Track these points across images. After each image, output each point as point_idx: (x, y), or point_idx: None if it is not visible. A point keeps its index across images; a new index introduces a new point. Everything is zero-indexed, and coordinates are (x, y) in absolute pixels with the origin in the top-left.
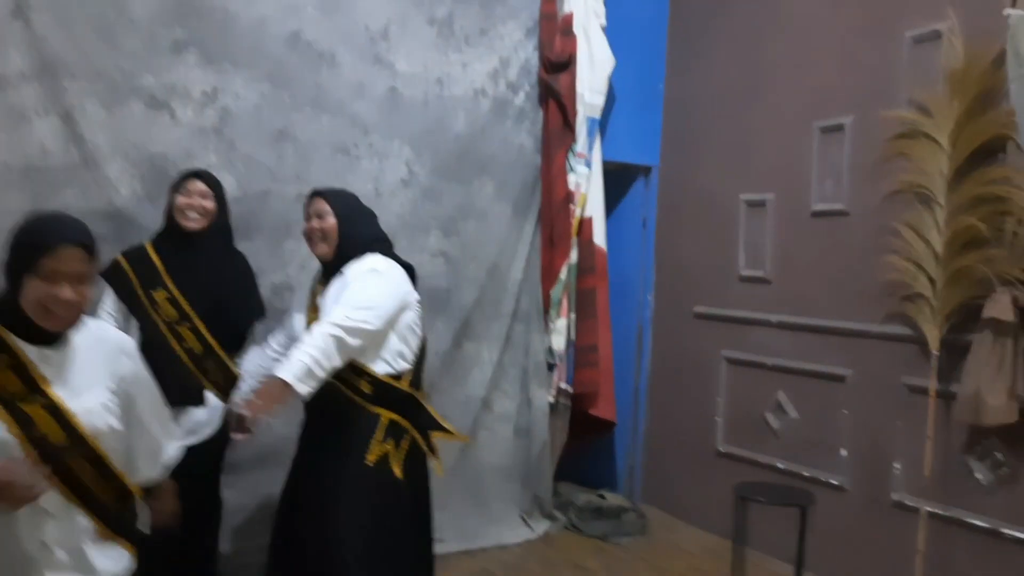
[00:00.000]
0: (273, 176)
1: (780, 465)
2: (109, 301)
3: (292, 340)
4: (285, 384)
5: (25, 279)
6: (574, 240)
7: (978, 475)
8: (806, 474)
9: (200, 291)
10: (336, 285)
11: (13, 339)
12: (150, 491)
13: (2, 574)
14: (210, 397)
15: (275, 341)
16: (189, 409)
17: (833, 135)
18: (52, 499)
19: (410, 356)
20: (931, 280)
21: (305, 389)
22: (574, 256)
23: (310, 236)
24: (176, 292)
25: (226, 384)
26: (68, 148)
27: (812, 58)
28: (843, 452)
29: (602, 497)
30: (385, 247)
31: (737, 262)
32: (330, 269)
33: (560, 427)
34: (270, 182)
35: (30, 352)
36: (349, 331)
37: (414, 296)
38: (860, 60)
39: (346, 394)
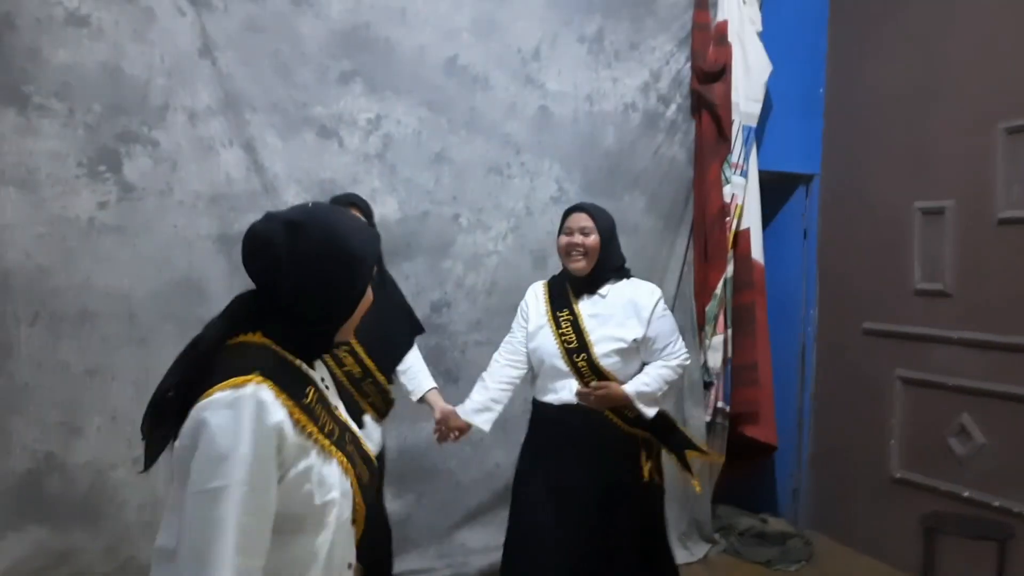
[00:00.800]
0: (431, 198)
1: (966, 494)
2: None
3: (518, 356)
4: (627, 396)
5: None
6: (730, 254)
7: None
8: (996, 504)
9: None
10: (640, 315)
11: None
12: None
13: None
14: (368, 420)
15: (503, 358)
16: None
17: (1020, 136)
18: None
19: None
20: None
21: (642, 407)
22: (730, 270)
23: (569, 250)
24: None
25: (384, 406)
26: (250, 176)
27: (995, 53)
28: None
29: (764, 521)
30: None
31: (912, 274)
32: (582, 285)
33: (718, 447)
34: (429, 204)
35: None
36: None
37: None
38: None
39: (608, 418)
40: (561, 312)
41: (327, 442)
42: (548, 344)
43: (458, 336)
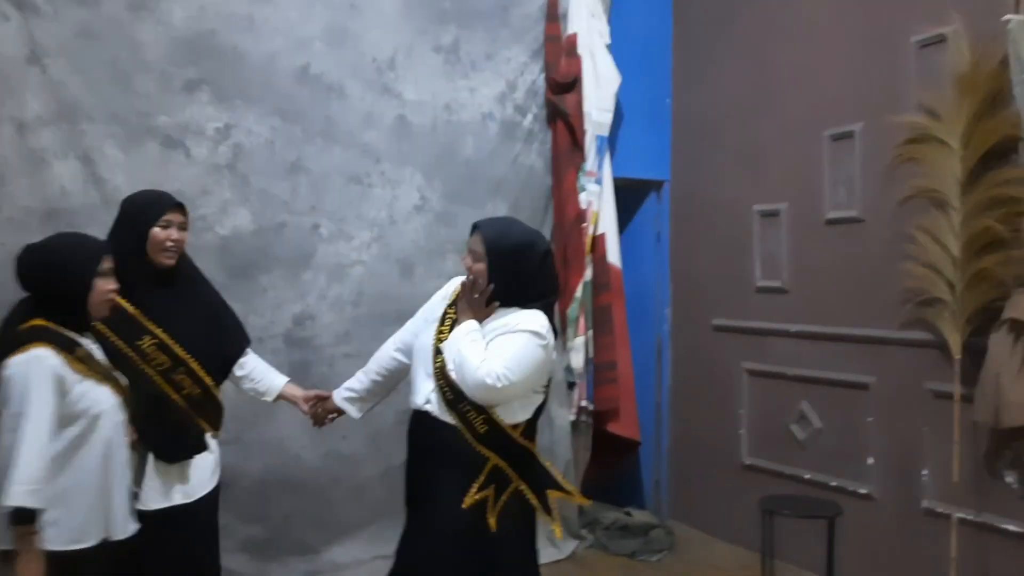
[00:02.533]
0: (288, 208)
1: (807, 476)
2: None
3: (409, 343)
4: (467, 320)
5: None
6: (588, 258)
7: (1008, 479)
8: (833, 484)
9: (187, 330)
10: None
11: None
12: None
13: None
14: (211, 441)
15: (393, 343)
16: (199, 457)
17: (844, 142)
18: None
19: (530, 407)
20: (950, 284)
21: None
22: (589, 274)
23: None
24: (164, 336)
25: (218, 418)
26: (87, 189)
27: (819, 66)
28: (870, 460)
29: (629, 515)
30: None
31: (753, 273)
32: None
33: (583, 445)
34: (285, 214)
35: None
36: None
37: None
38: (867, 67)
39: (460, 430)
40: (450, 309)
41: (98, 376)
42: (426, 336)
43: (324, 349)
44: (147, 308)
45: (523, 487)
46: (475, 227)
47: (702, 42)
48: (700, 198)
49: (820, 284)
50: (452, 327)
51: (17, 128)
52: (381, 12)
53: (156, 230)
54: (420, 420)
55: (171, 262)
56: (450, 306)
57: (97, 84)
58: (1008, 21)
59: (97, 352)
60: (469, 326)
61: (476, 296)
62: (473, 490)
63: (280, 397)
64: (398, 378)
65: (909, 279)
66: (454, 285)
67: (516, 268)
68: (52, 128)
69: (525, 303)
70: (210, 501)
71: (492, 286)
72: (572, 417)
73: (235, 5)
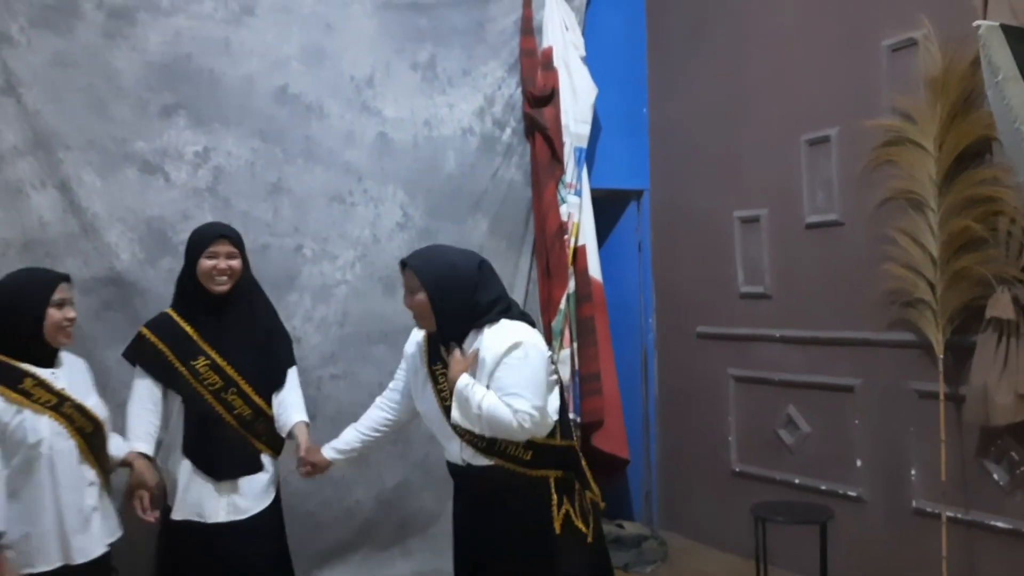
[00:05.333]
0: (271, 230)
1: (797, 480)
2: (142, 386)
3: (393, 402)
4: (452, 380)
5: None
6: (571, 270)
7: (995, 476)
8: (823, 488)
9: (240, 353)
10: None
11: (23, 364)
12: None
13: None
14: (266, 460)
15: (380, 400)
16: (252, 476)
17: (820, 147)
18: (89, 471)
19: (552, 409)
20: (930, 284)
21: (453, 402)
22: (572, 285)
23: (412, 313)
24: (217, 357)
25: (276, 443)
26: (66, 218)
27: (793, 73)
28: (859, 463)
29: (620, 527)
30: None
31: (736, 279)
32: (443, 339)
33: None
34: (268, 236)
35: (42, 372)
36: None
37: None
38: (840, 72)
39: (506, 468)
40: (436, 366)
41: (37, 407)
42: (427, 398)
43: (312, 371)
44: (203, 330)
45: (580, 487)
46: (403, 264)
47: (677, 52)
48: (680, 206)
49: (803, 288)
50: (444, 380)
51: None
52: (357, 31)
53: (203, 260)
54: (462, 472)
55: (222, 288)
56: (432, 363)
57: (73, 112)
58: (979, 27)
59: (61, 381)
60: (464, 381)
61: (451, 355)
62: (556, 512)
63: (290, 434)
64: (388, 432)
65: (890, 280)
66: (415, 339)
67: (453, 288)
68: (29, 158)
69: (485, 317)
70: (265, 519)
71: (455, 346)
72: None
73: (210, 29)
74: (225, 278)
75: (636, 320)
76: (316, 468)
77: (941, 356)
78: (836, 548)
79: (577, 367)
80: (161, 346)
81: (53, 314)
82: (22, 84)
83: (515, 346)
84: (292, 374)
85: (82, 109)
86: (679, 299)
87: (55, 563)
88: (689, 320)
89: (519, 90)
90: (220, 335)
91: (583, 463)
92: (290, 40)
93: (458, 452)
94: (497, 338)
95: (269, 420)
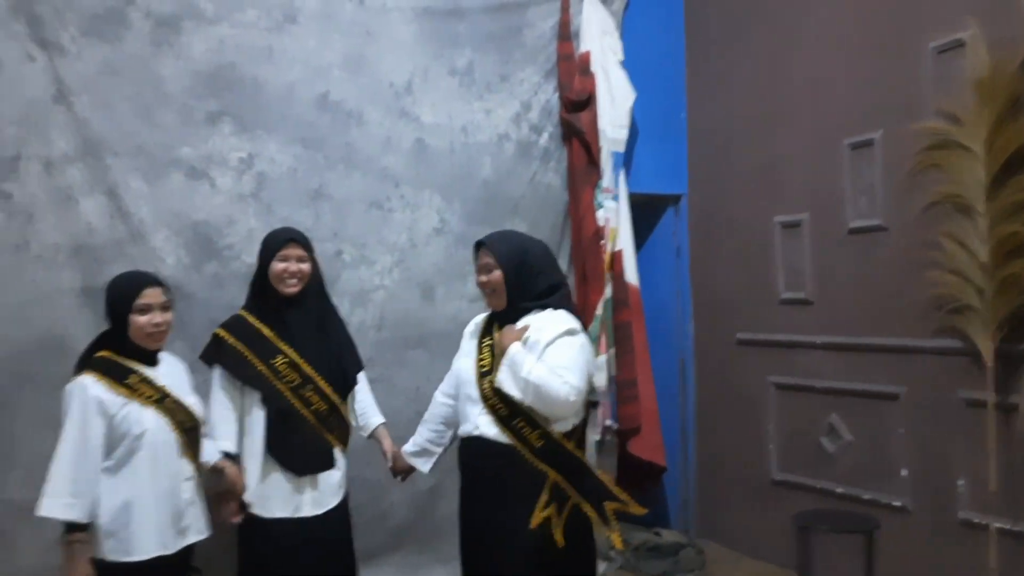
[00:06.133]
0: (311, 235)
1: (839, 490)
2: (222, 387)
3: (452, 392)
4: (509, 346)
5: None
6: (607, 275)
7: None
8: (866, 497)
9: (315, 351)
10: None
11: (130, 362)
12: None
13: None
14: (339, 456)
15: (440, 395)
16: (328, 472)
17: (863, 151)
18: (188, 466)
19: (580, 411)
20: (979, 290)
21: (503, 368)
22: (609, 291)
23: (483, 290)
24: (295, 356)
25: (345, 437)
26: (114, 224)
27: (835, 75)
28: (903, 472)
29: (658, 535)
30: None
31: (777, 285)
32: (503, 318)
33: (609, 466)
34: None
35: (147, 370)
36: None
37: None
38: (884, 74)
39: (515, 448)
40: (485, 338)
41: (143, 400)
42: (466, 368)
43: None
44: (280, 330)
45: (580, 501)
46: (479, 244)
47: (716, 55)
48: (719, 211)
49: (845, 294)
50: (492, 354)
51: (44, 166)
52: (397, 38)
53: (275, 263)
54: (472, 446)
55: (293, 290)
56: (482, 336)
57: (121, 119)
58: None
59: (162, 379)
60: (517, 347)
61: (504, 331)
62: (538, 509)
63: (372, 436)
64: (454, 423)
65: (936, 286)
66: (474, 322)
67: (527, 263)
68: (78, 165)
69: (544, 298)
70: (338, 514)
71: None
72: (597, 437)
73: (254, 37)
74: (295, 280)
75: (674, 326)
76: (403, 472)
77: (990, 364)
78: (879, 559)
79: (614, 373)
80: (240, 346)
81: (136, 319)
82: (72, 92)
83: (572, 331)
84: (362, 375)
85: (130, 116)
86: (718, 305)
87: (151, 553)
88: (728, 326)
89: (556, 95)
90: (293, 334)
91: (602, 476)
92: (331, 47)
93: (474, 420)
94: (555, 320)
95: (342, 416)
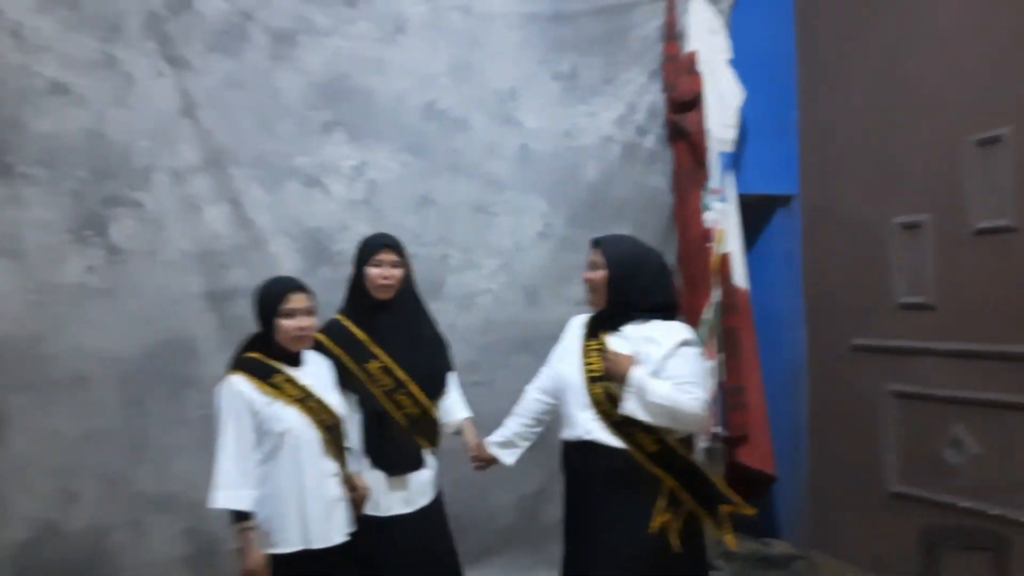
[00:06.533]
0: (419, 240)
1: (963, 504)
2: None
3: (547, 388)
4: (627, 374)
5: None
6: (715, 279)
7: None
8: (994, 513)
9: (407, 355)
10: None
11: (275, 362)
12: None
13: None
14: (428, 456)
15: (533, 390)
16: (418, 472)
17: (990, 148)
18: (332, 463)
19: None
20: None
21: (629, 397)
22: (717, 295)
23: (586, 284)
24: (389, 360)
25: (435, 439)
26: (236, 231)
27: (960, 69)
28: None
29: (767, 545)
30: None
31: (895, 288)
32: (603, 320)
33: (716, 473)
34: (417, 246)
35: (291, 370)
36: None
37: None
38: (1014, 67)
39: (630, 453)
40: (590, 341)
41: (287, 399)
42: (571, 371)
43: None
44: (374, 335)
45: (694, 506)
46: (596, 242)
47: (829, 50)
48: (833, 212)
49: (971, 298)
50: (595, 355)
51: (173, 177)
52: (502, 45)
53: (370, 269)
54: (581, 450)
55: (387, 296)
56: (587, 338)
57: (242, 130)
58: None
59: (306, 378)
60: (639, 372)
61: (607, 358)
62: (656, 514)
63: (457, 431)
64: (545, 420)
65: None
66: (576, 321)
67: (634, 274)
68: (204, 175)
69: (645, 313)
70: (432, 511)
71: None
72: (705, 444)
73: (366, 49)
74: (389, 285)
75: (784, 332)
76: (484, 462)
77: None
78: None
79: (722, 379)
80: (337, 351)
81: (282, 323)
82: (198, 106)
83: (689, 342)
84: (453, 377)
85: (250, 127)
86: (832, 309)
87: (296, 546)
88: (843, 332)
89: (662, 96)
90: (388, 339)
91: (712, 479)
92: (438, 56)
93: (583, 426)
94: (670, 330)
95: (433, 419)
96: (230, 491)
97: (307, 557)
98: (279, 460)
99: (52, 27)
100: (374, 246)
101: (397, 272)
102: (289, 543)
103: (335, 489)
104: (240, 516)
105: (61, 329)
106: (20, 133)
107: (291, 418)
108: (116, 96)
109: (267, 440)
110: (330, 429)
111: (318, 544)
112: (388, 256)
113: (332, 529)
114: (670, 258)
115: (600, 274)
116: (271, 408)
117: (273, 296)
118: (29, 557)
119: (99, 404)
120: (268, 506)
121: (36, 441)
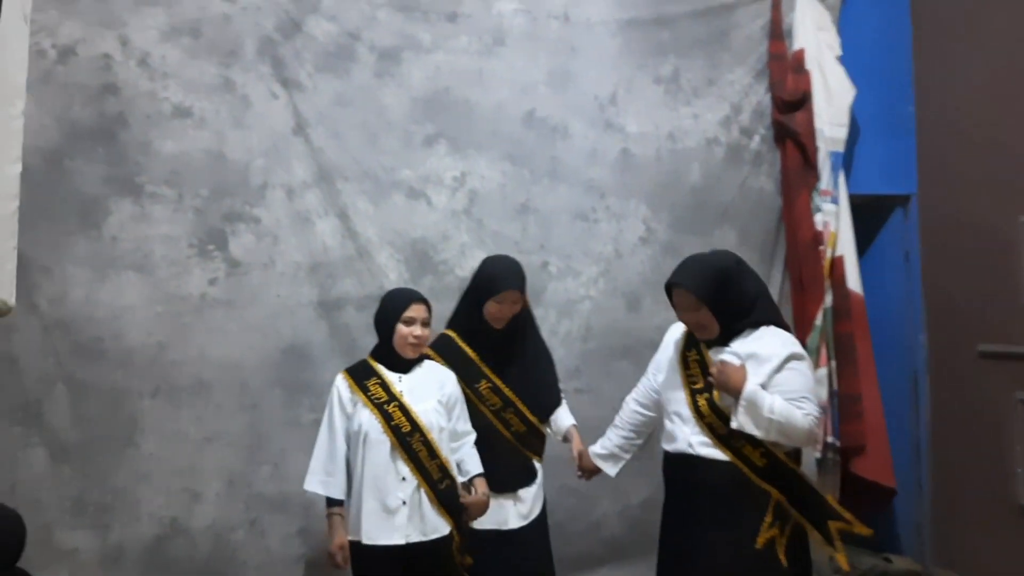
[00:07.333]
0: (519, 247)
1: None
2: None
3: (647, 400)
4: (740, 389)
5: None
6: (827, 283)
7: None
8: None
9: (516, 377)
10: None
11: (379, 366)
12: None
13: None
14: (536, 467)
15: (633, 401)
16: (526, 488)
17: None
18: (403, 467)
19: None
20: None
21: (740, 413)
22: (829, 300)
23: (693, 330)
24: (498, 381)
25: (541, 450)
26: (345, 243)
27: None
28: None
29: (888, 560)
30: None
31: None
32: (714, 342)
33: (831, 484)
34: (517, 253)
35: (389, 375)
36: None
37: None
38: None
39: (737, 467)
40: (690, 352)
41: (369, 403)
42: (672, 385)
43: None
44: (485, 356)
45: (802, 521)
46: (670, 286)
47: (948, 42)
48: (955, 211)
49: None
50: (701, 370)
51: (287, 192)
52: (601, 51)
53: (491, 303)
54: (683, 462)
55: (501, 327)
56: (686, 349)
57: (350, 146)
58: None
59: (403, 384)
60: (752, 387)
61: (715, 371)
62: (764, 527)
63: (565, 438)
64: (646, 432)
65: None
66: (677, 329)
67: (727, 289)
68: (315, 190)
69: (750, 312)
70: (541, 522)
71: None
72: (818, 454)
73: (466, 62)
74: (504, 319)
75: (904, 337)
76: (589, 472)
77: None
78: None
79: (835, 387)
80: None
81: (400, 329)
82: (309, 124)
83: (798, 356)
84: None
85: (357, 143)
86: (955, 314)
87: (367, 538)
88: (968, 337)
89: (768, 96)
90: (497, 360)
91: (821, 493)
92: (537, 66)
93: (686, 439)
94: (779, 340)
95: (540, 435)
96: (315, 476)
97: (379, 551)
98: (356, 456)
99: (176, 55)
100: (501, 286)
101: (516, 308)
102: (367, 535)
103: (404, 493)
104: (328, 502)
105: (185, 338)
106: (149, 155)
107: (365, 419)
108: (234, 118)
109: (352, 437)
110: (404, 435)
111: (366, 540)
112: (511, 295)
113: (387, 530)
114: (779, 262)
115: (703, 314)
116: (355, 408)
117: (397, 303)
118: (157, 553)
119: (220, 408)
120: (350, 497)
121: (164, 443)
